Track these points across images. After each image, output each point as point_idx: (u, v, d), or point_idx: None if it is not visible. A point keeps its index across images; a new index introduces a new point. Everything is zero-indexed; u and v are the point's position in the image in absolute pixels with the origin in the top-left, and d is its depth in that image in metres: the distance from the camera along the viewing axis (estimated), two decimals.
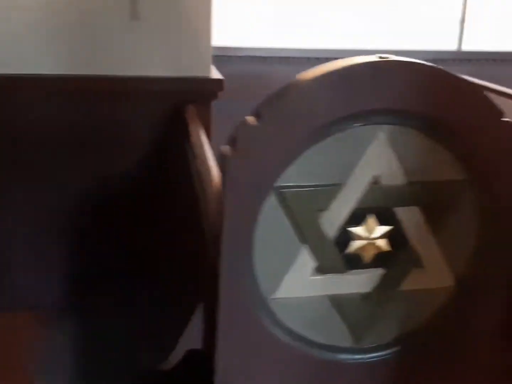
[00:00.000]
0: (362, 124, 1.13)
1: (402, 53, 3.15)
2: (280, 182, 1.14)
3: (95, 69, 2.02)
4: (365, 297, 1.24)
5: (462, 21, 3.20)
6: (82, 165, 2.08)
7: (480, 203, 1.21)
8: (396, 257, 1.22)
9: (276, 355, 1.24)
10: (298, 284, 1.20)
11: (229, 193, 1.09)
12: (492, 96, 2.35)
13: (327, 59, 1.12)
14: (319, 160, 1.14)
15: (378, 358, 1.28)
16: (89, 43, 2.00)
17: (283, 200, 1.14)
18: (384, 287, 1.24)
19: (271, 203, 1.15)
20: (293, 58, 2.91)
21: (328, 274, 1.21)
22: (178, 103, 2.08)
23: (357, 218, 1.19)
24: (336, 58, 1.09)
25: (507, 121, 1.16)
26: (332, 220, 1.18)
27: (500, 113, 1.15)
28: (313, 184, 1.15)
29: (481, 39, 3.18)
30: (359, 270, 1.22)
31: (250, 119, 1.09)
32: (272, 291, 1.20)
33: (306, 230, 1.17)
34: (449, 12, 3.15)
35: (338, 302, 1.24)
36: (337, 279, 1.22)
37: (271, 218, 1.15)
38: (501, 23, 3.18)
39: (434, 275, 1.24)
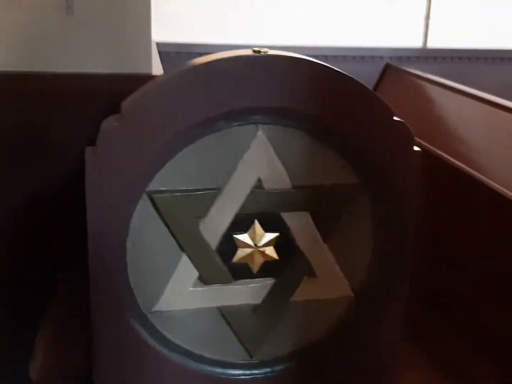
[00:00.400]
0: (240, 123, 1.05)
1: (365, 50, 3.05)
2: (151, 187, 1.05)
3: (26, 65, 1.92)
4: (256, 309, 1.16)
5: (427, 17, 3.12)
6: (10, 169, 1.98)
7: (373, 209, 1.13)
8: (286, 266, 1.14)
9: (162, 373, 1.15)
10: (180, 296, 1.12)
11: (91, 197, 1.01)
12: (455, 96, 2.27)
13: None
14: (195, 163, 1.05)
15: (274, 373, 1.19)
16: (21, 38, 1.91)
17: (155, 206, 1.06)
18: (275, 298, 1.15)
19: (144, 209, 1.06)
20: None
21: (213, 285, 1.13)
22: (117, 101, 1.98)
23: (242, 224, 1.11)
24: None
25: (399, 121, 1.08)
26: (213, 227, 1.09)
27: (391, 113, 1.07)
28: (188, 189, 1.06)
29: (448, 37, 3.10)
30: (247, 280, 1.14)
31: (112, 117, 1.01)
32: (152, 304, 1.11)
33: (184, 238, 1.09)
34: (413, 8, 3.07)
35: (227, 315, 1.15)
36: (224, 290, 1.14)
37: (146, 225, 1.07)
38: (468, 20, 3.10)
39: (329, 284, 1.16)
